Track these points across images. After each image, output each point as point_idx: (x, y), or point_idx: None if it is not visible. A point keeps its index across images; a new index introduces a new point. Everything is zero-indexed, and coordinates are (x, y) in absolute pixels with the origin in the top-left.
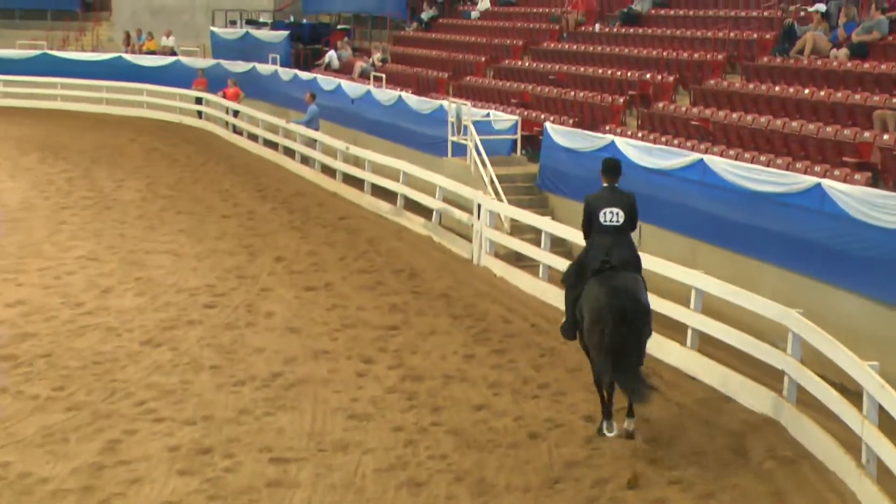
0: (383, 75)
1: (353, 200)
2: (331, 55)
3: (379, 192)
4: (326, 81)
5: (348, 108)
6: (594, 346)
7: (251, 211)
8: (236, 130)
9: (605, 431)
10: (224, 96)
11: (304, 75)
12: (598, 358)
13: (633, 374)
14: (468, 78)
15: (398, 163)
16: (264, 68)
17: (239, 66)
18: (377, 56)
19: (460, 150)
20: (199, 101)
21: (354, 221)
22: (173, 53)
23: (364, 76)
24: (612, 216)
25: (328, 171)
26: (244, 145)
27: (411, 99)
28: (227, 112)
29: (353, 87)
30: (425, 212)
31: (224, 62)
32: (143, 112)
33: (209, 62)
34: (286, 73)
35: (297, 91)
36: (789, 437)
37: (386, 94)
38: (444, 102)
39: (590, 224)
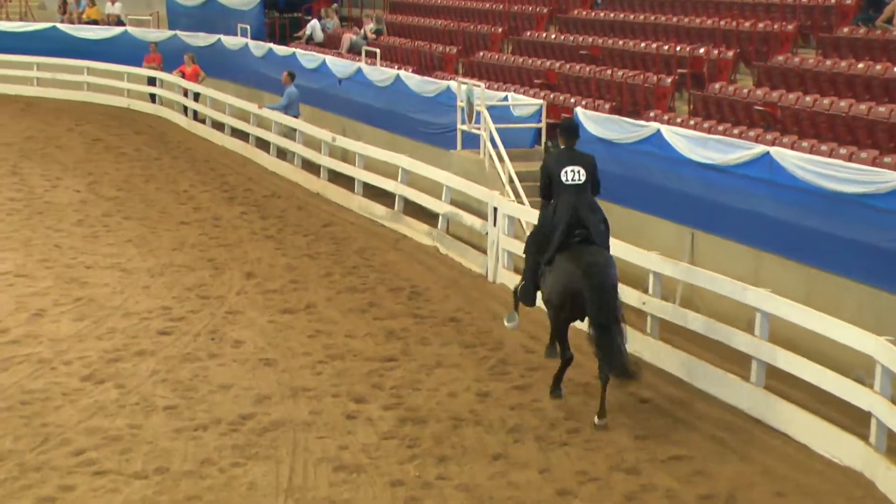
0: (377, 50)
1: (340, 203)
2: (313, 25)
3: (373, 192)
4: (308, 58)
5: (335, 91)
6: (560, 324)
7: (216, 216)
8: (197, 117)
9: (557, 392)
10: (182, 76)
11: (281, 50)
12: (558, 331)
13: (618, 349)
14: (481, 53)
15: (396, 157)
16: (231, 42)
17: (200, 39)
18: (370, 27)
19: (472, 141)
20: (151, 81)
21: (342, 229)
22: (120, 23)
23: (354, 51)
24: (573, 174)
25: (310, 167)
26: (207, 136)
27: (412, 79)
28: (186, 95)
29: (340, 65)
30: (429, 217)
31: (182, 34)
32: (84, 95)
33: (164, 34)
34: (258, 48)
35: (271, 69)
36: (880, 496)
37: (381, 74)
38: (452, 83)
39: (549, 188)
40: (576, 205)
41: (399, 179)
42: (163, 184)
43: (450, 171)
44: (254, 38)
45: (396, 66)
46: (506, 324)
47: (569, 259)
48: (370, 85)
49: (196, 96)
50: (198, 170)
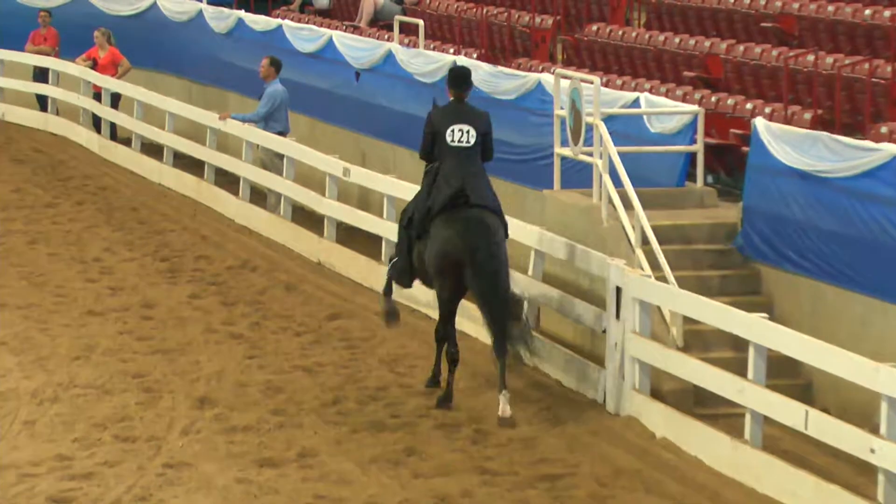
0: (420, 22)
1: (357, 280)
2: None
3: None
4: (304, 35)
5: (349, 90)
6: (444, 300)
7: (147, 302)
8: (117, 135)
9: (430, 384)
10: (93, 66)
11: (259, 22)
12: (444, 308)
13: (504, 321)
14: (594, 27)
15: None
16: (174, 8)
17: (122, 5)
18: None
19: (579, 175)
20: (40, 74)
21: (361, 323)
22: None
23: (380, 22)
24: (461, 135)
25: (307, 218)
26: (133, 166)
27: (478, 71)
28: (98, 98)
29: (358, 47)
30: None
31: None
32: None
33: None
34: (220, 18)
35: (242, 55)
36: None
37: (425, 62)
38: (546, 78)
39: (433, 147)
40: (462, 172)
41: None
42: (59, 247)
43: (541, 224)
44: (213, 1)
45: (451, 49)
46: (384, 320)
47: (445, 223)
48: (408, 80)
49: (115, 100)
50: (118, 223)
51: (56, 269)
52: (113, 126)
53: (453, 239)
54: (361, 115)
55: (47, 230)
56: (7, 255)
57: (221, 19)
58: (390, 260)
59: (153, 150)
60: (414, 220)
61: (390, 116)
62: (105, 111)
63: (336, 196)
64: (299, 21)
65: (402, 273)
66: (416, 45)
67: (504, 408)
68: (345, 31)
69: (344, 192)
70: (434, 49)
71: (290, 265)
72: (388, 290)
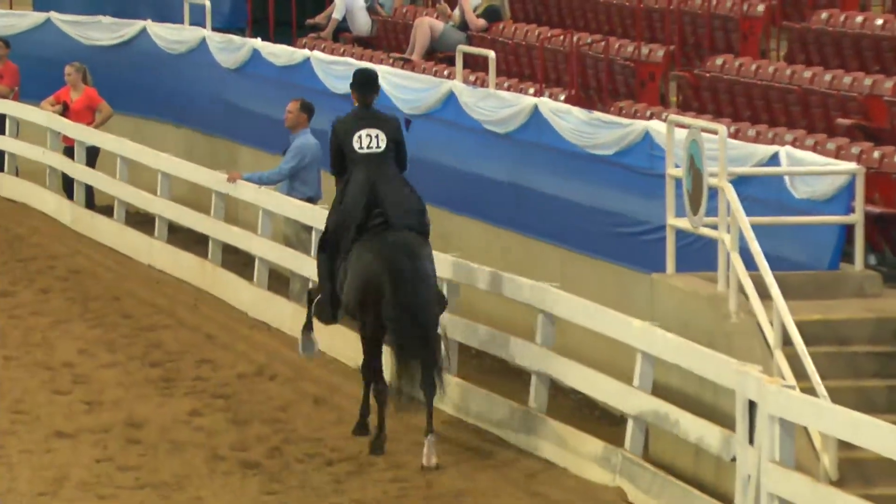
0: (490, 53)
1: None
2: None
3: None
4: (339, 70)
5: None
6: (367, 332)
7: (135, 420)
8: (94, 202)
9: (359, 431)
10: (63, 111)
11: (280, 53)
12: (370, 344)
13: (429, 361)
14: (718, 61)
15: (523, 287)
16: (169, 36)
17: (101, 32)
18: (475, 1)
19: (698, 253)
20: None
21: (407, 445)
22: None
23: (438, 55)
24: (369, 140)
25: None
26: (114, 243)
27: (568, 117)
28: (69, 154)
29: (408, 88)
30: (600, 425)
31: (61, 20)
32: None
33: (22, 20)
34: (229, 48)
35: (258, 96)
36: None
37: (500, 105)
38: (656, 125)
39: (341, 159)
40: (373, 179)
41: (538, 339)
42: (18, 348)
43: (649, 317)
44: (220, 26)
45: (531, 89)
46: (300, 352)
47: (364, 247)
48: (474, 130)
49: (92, 156)
50: (95, 317)
51: (14, 378)
52: (89, 190)
53: (373, 266)
54: (413, 174)
55: (2, 327)
56: None
57: (231, 51)
58: (308, 293)
59: (142, 221)
60: (329, 240)
61: (450, 177)
62: (79, 171)
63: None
64: (332, 52)
65: (325, 305)
66: (484, 84)
67: (429, 455)
68: (392, 65)
69: None
70: (509, 89)
71: (319, 372)
72: (307, 326)
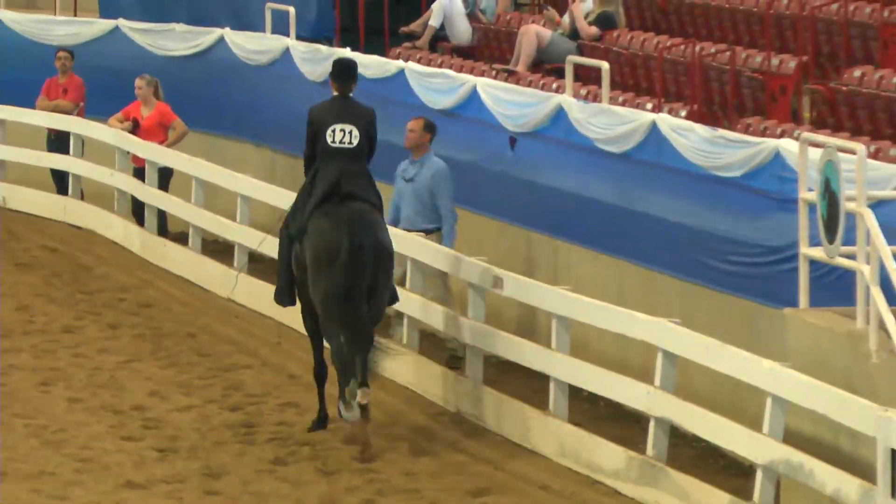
0: (603, 65)
1: (516, 439)
2: (445, 5)
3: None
4: (436, 83)
5: (499, 163)
6: (322, 302)
7: (213, 469)
8: (166, 228)
9: (343, 414)
10: (134, 127)
11: (370, 66)
12: (327, 318)
13: (364, 325)
14: (857, 73)
15: (645, 325)
16: (250, 45)
17: (174, 41)
18: (584, 6)
19: (834, 285)
20: (57, 141)
21: (515, 499)
22: None
23: (546, 66)
24: (342, 135)
25: (440, 346)
26: (189, 272)
27: (690, 135)
28: (140, 175)
29: (513, 103)
30: (733, 471)
31: (130, 27)
32: None
33: (88, 28)
34: (315, 61)
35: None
36: None
37: (613, 121)
38: (787, 144)
39: (314, 146)
40: (340, 175)
41: (657, 381)
42: (84, 390)
43: (779, 356)
44: (305, 35)
45: (649, 104)
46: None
47: (322, 216)
48: (586, 149)
49: (164, 178)
50: (168, 356)
51: (79, 423)
52: (161, 215)
53: (331, 231)
54: (518, 198)
55: (66, 366)
56: (9, 400)
57: (317, 62)
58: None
59: (219, 250)
60: (290, 225)
61: (559, 201)
62: (150, 194)
63: (484, 315)
64: (429, 63)
65: (282, 292)
66: (597, 99)
67: (362, 396)
68: (495, 77)
69: (496, 309)
70: (624, 104)
71: (416, 417)
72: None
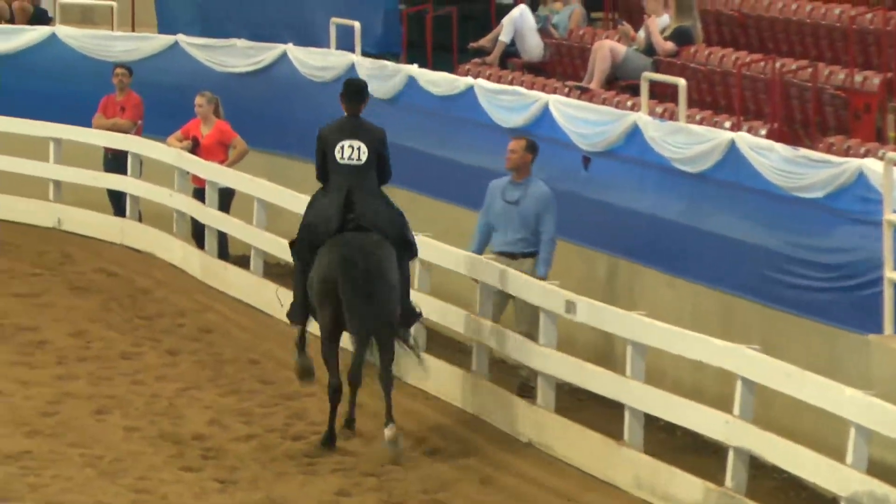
0: (680, 82)
1: (586, 468)
2: (516, 21)
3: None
4: (505, 102)
5: (572, 183)
6: (324, 327)
7: (276, 501)
8: (227, 251)
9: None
10: (194, 146)
11: (439, 83)
12: (326, 339)
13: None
14: None
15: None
16: (315, 60)
17: (234, 57)
18: (661, 22)
19: None
20: (115, 161)
21: None
22: (41, 19)
23: (621, 83)
24: (350, 151)
25: (507, 375)
26: (251, 297)
27: (770, 155)
28: (200, 196)
29: (586, 122)
30: None
31: (190, 45)
32: None
33: (147, 43)
34: (382, 77)
35: (414, 130)
36: None
37: (689, 141)
38: (871, 164)
39: (324, 166)
40: (350, 190)
41: (735, 410)
42: (142, 418)
43: (864, 385)
44: (371, 51)
45: (728, 122)
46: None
47: (329, 248)
48: (662, 169)
49: (225, 199)
50: (230, 383)
51: (137, 453)
52: (222, 238)
53: (330, 265)
54: (591, 219)
55: (123, 393)
56: (65, 429)
57: (383, 78)
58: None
59: (281, 273)
60: (298, 247)
61: (633, 222)
62: (210, 215)
63: (555, 342)
64: (499, 80)
65: (296, 307)
66: (673, 116)
67: (391, 434)
68: (567, 94)
69: (568, 335)
70: (701, 122)
71: (486, 447)
72: (300, 344)
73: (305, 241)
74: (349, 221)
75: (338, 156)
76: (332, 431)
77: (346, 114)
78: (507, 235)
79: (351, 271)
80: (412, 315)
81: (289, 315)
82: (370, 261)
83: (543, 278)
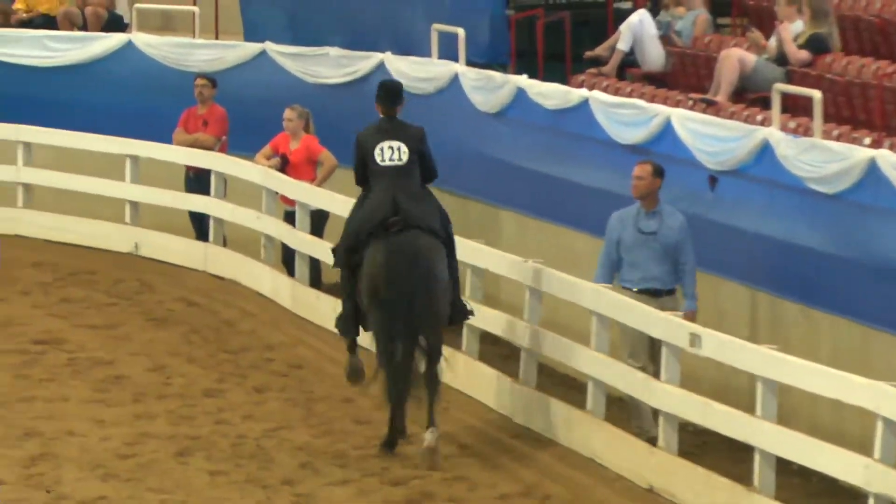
0: (815, 94)
1: None
2: (635, 28)
3: None
4: (624, 116)
5: (698, 205)
6: (377, 331)
7: None
8: (320, 279)
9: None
10: (283, 164)
11: (551, 96)
12: (381, 341)
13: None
14: None
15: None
16: (416, 71)
17: (328, 68)
18: (794, 29)
19: None
20: (196, 180)
21: None
22: (116, 26)
23: (750, 96)
24: (391, 153)
25: (622, 410)
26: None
27: None
28: (291, 220)
29: (713, 138)
30: None
31: (279, 53)
32: (12, 214)
33: (233, 52)
34: (488, 89)
35: (523, 146)
36: None
37: (824, 159)
38: None
39: (364, 171)
40: (393, 191)
41: (876, 454)
42: (227, 461)
43: None
44: (476, 60)
45: (868, 138)
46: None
47: (378, 248)
48: (795, 190)
49: (318, 221)
50: (322, 423)
51: (223, 499)
52: (315, 264)
53: (379, 265)
54: (717, 244)
55: (207, 434)
56: (144, 473)
57: (490, 90)
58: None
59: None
60: (342, 254)
61: (764, 248)
62: (301, 240)
63: (679, 377)
64: (616, 92)
65: (347, 319)
66: (808, 132)
67: (431, 441)
68: (692, 108)
69: (692, 370)
70: (839, 138)
71: (604, 493)
72: (351, 346)
73: (350, 246)
74: (395, 223)
75: (378, 158)
76: (393, 434)
77: (381, 116)
78: (649, 270)
79: (401, 271)
80: (463, 313)
81: (338, 327)
82: (420, 260)
83: (694, 313)
